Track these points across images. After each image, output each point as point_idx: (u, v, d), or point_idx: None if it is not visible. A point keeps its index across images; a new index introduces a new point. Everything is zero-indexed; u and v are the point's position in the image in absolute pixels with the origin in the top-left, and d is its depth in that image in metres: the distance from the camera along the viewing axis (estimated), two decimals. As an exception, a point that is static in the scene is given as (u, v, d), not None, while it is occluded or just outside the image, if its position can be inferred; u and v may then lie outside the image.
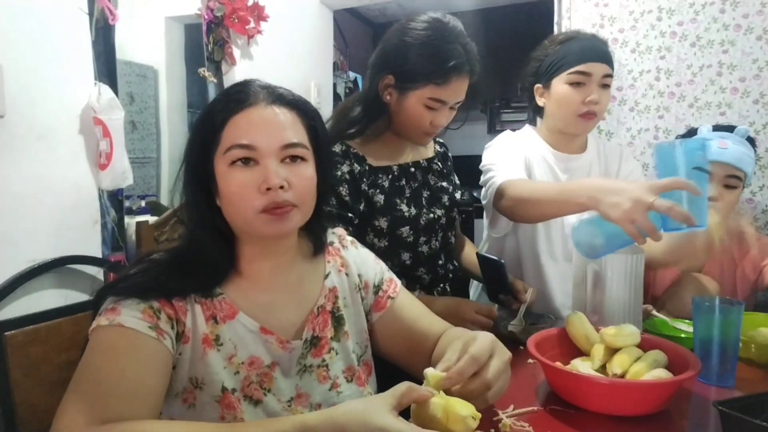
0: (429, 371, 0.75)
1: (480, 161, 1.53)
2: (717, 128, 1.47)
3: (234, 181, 0.79)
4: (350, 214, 1.25)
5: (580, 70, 1.40)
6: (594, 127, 1.53)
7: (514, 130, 1.62)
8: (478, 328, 1.19)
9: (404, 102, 1.24)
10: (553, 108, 1.47)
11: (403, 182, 1.34)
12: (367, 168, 1.29)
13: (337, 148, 1.26)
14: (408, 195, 1.34)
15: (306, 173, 0.83)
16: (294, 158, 0.82)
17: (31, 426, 1.08)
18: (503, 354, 0.81)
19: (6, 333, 1.08)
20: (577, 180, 1.40)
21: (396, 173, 1.33)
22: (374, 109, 1.28)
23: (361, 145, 1.30)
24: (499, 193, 1.34)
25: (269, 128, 0.80)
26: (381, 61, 1.27)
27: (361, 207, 1.27)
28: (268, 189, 0.78)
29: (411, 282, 1.35)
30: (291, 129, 0.82)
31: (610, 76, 1.43)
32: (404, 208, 1.31)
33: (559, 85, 1.43)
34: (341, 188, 1.24)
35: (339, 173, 1.25)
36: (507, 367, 0.81)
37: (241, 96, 0.81)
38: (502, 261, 1.33)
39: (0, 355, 1.07)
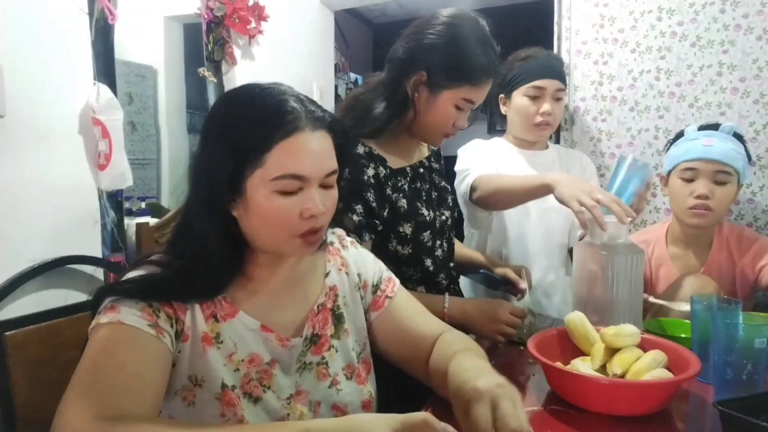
0: None
1: None
2: (702, 127, 1.49)
3: (276, 205, 0.79)
4: (377, 221, 1.21)
5: (536, 85, 1.62)
6: (548, 135, 1.76)
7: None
8: (511, 329, 1.20)
9: (435, 101, 1.20)
10: (513, 117, 1.70)
11: (419, 184, 1.30)
12: (388, 171, 1.23)
13: (360, 149, 1.20)
14: (425, 198, 1.30)
15: (335, 196, 0.86)
16: (327, 184, 0.83)
17: (31, 426, 1.08)
18: (506, 393, 0.70)
19: (6, 333, 1.08)
20: (538, 173, 1.58)
21: (410, 175, 1.29)
22: (400, 105, 1.22)
23: (377, 145, 1.24)
24: (474, 188, 1.48)
25: (317, 156, 0.81)
26: (412, 57, 1.20)
27: (385, 213, 1.22)
28: (311, 216, 0.80)
29: (431, 288, 1.33)
30: (330, 156, 0.83)
31: (562, 90, 1.66)
32: (425, 212, 1.27)
33: (518, 97, 1.65)
34: (368, 194, 1.19)
35: (365, 177, 1.19)
36: (517, 400, 0.70)
37: (286, 117, 0.79)
38: (482, 271, 1.42)
39: (0, 355, 1.07)
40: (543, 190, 1.28)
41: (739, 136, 1.46)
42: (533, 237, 1.65)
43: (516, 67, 1.65)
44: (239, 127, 0.79)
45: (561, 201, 1.21)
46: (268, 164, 0.78)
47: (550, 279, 1.66)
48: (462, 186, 1.54)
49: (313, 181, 0.80)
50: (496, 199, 1.45)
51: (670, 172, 1.50)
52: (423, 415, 0.65)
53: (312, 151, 0.80)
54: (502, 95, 1.71)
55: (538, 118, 1.63)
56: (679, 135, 1.53)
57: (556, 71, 1.65)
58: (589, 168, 1.81)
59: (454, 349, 0.87)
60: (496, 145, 1.74)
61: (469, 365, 0.80)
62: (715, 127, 1.47)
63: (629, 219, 1.16)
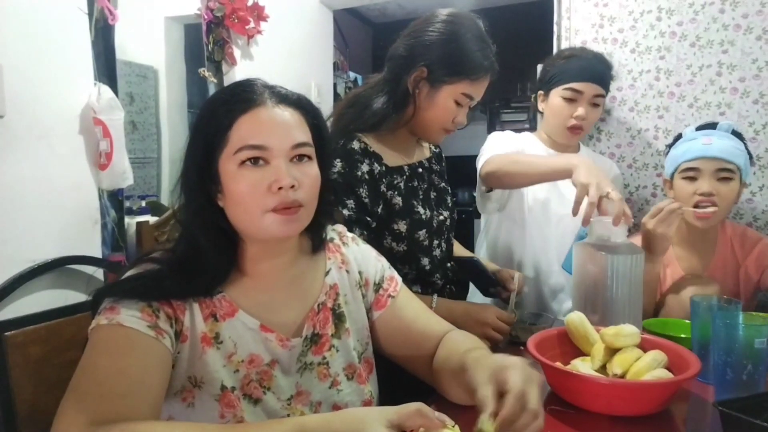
0: (484, 421, 0.67)
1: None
2: (700, 127, 1.49)
3: (244, 181, 0.79)
4: (368, 218, 1.21)
5: (574, 87, 1.57)
6: (580, 139, 1.72)
7: (515, 131, 1.76)
8: (497, 334, 1.20)
9: (435, 96, 1.22)
10: (548, 116, 1.67)
11: (416, 183, 1.31)
12: (384, 168, 1.24)
13: (355, 145, 1.21)
14: (422, 197, 1.31)
15: (312, 172, 0.84)
16: (301, 157, 0.83)
17: (31, 426, 1.08)
18: (534, 376, 0.73)
19: (6, 333, 1.08)
20: (563, 154, 1.52)
21: (408, 173, 1.30)
22: (401, 101, 1.23)
23: (375, 142, 1.25)
24: (486, 163, 1.46)
25: (279, 128, 0.80)
26: (412, 53, 1.22)
27: (379, 210, 1.23)
28: (279, 188, 0.78)
29: (426, 288, 1.33)
30: (298, 129, 0.83)
31: (602, 96, 1.61)
32: (421, 210, 1.28)
33: (555, 97, 1.62)
34: (361, 190, 1.19)
35: (359, 173, 1.20)
36: (541, 388, 0.73)
37: (247, 95, 0.81)
38: (475, 258, 1.35)
39: (0, 355, 1.07)
40: (564, 173, 1.27)
41: (737, 134, 1.46)
42: (550, 241, 1.63)
43: (558, 65, 1.62)
44: (207, 115, 0.82)
45: (574, 184, 1.22)
46: (231, 141, 0.79)
47: (561, 282, 1.65)
48: (479, 163, 1.54)
49: (277, 152, 0.80)
50: (506, 174, 1.41)
51: (672, 174, 1.50)
52: (417, 405, 0.66)
53: (273, 123, 0.80)
54: (541, 92, 1.69)
55: (571, 121, 1.59)
56: (678, 137, 1.53)
57: (598, 75, 1.59)
58: (618, 181, 1.79)
59: (466, 347, 0.87)
60: (526, 140, 1.71)
61: (494, 357, 0.79)
62: (712, 126, 1.47)
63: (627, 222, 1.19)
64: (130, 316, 0.74)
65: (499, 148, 1.54)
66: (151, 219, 1.88)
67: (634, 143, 1.97)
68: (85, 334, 0.77)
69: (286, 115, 0.82)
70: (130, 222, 1.77)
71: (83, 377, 0.71)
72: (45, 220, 1.47)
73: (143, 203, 2.04)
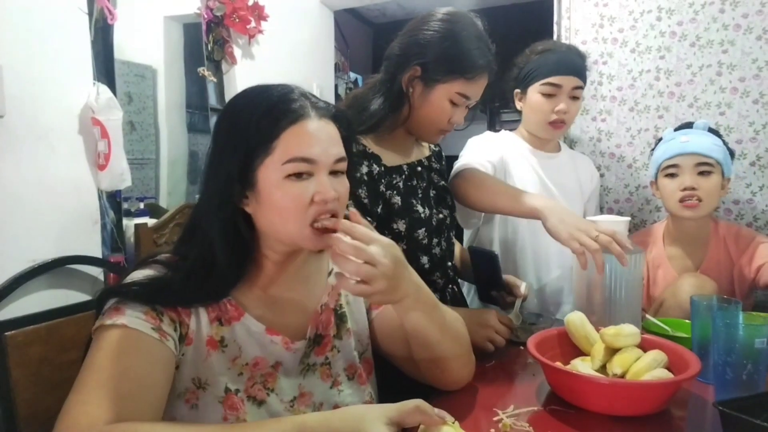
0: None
1: None
2: (678, 128, 1.56)
3: (288, 192, 0.78)
4: (368, 218, 1.20)
5: (552, 81, 1.54)
6: (563, 134, 1.68)
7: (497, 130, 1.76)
8: (499, 337, 1.19)
9: (429, 95, 1.21)
10: (528, 113, 1.63)
11: (415, 182, 1.31)
12: (383, 168, 1.24)
13: (353, 148, 1.22)
14: (421, 195, 1.31)
15: (347, 185, 0.85)
16: (337, 171, 0.83)
17: (32, 426, 1.08)
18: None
19: (6, 333, 1.08)
20: (530, 192, 1.35)
21: (407, 173, 1.30)
22: (396, 101, 1.22)
23: (373, 143, 1.25)
24: (456, 173, 1.41)
25: (325, 142, 0.81)
26: (407, 52, 1.21)
27: (379, 210, 1.23)
28: (323, 201, 0.79)
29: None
30: (338, 143, 0.84)
31: (581, 88, 1.57)
32: (420, 209, 1.28)
33: (534, 93, 1.58)
34: (360, 191, 1.20)
35: (357, 175, 1.19)
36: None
37: (294, 106, 0.81)
38: (496, 253, 1.34)
39: (0, 355, 1.07)
40: (530, 215, 1.22)
41: (714, 132, 1.51)
42: (547, 245, 1.58)
43: (532, 60, 1.58)
44: (247, 120, 0.80)
45: (555, 237, 1.14)
46: (277, 151, 0.78)
47: (560, 285, 1.64)
48: (453, 169, 1.48)
49: (322, 165, 0.80)
50: (470, 193, 1.35)
51: (656, 174, 1.55)
52: (416, 402, 0.67)
53: (319, 136, 0.80)
54: (517, 90, 1.64)
55: (553, 116, 1.56)
56: (659, 141, 1.59)
57: (575, 67, 1.56)
58: (595, 179, 1.79)
59: None
60: (506, 140, 1.68)
61: None
62: (689, 125, 1.53)
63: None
64: (134, 318, 0.75)
65: (476, 156, 1.49)
66: (149, 221, 1.87)
67: (634, 143, 1.97)
68: (85, 334, 0.77)
69: (328, 129, 0.83)
70: (128, 224, 1.77)
71: (86, 378, 0.71)
72: (45, 220, 1.47)
73: (141, 205, 2.04)
